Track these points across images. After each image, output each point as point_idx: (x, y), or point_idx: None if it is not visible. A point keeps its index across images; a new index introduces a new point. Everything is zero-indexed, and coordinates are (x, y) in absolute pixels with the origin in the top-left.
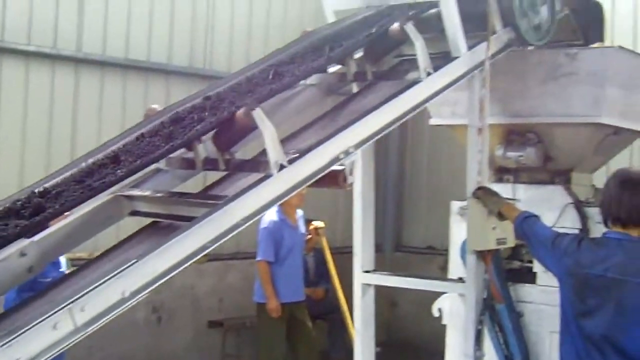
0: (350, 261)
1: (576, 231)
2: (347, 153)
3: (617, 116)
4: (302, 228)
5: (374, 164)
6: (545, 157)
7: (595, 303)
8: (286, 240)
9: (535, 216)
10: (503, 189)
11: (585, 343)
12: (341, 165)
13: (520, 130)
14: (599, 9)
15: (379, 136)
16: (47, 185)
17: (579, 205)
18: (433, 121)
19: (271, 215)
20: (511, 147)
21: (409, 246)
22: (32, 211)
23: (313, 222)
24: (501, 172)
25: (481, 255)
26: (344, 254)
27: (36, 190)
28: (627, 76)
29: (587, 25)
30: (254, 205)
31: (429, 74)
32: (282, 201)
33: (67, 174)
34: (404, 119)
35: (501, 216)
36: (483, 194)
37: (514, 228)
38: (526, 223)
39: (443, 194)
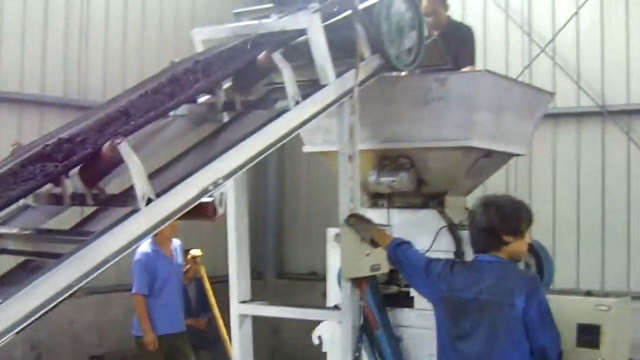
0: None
1: (451, 254)
2: (216, 184)
3: (487, 139)
4: (179, 258)
5: (249, 192)
6: (418, 181)
7: (469, 326)
8: (161, 272)
9: (408, 242)
10: (377, 214)
11: None
12: (211, 196)
13: (392, 155)
14: (469, 33)
15: (249, 166)
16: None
17: (453, 229)
18: (306, 149)
19: (144, 247)
20: (384, 172)
21: (291, 272)
22: (64, 155)
23: (191, 251)
24: (375, 198)
25: (356, 282)
26: (225, 282)
27: (63, 137)
28: (496, 99)
29: (458, 49)
30: (123, 240)
31: (297, 102)
32: (153, 234)
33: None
34: (273, 148)
35: (374, 243)
36: (355, 221)
37: (386, 255)
38: (399, 249)
39: (323, 219)
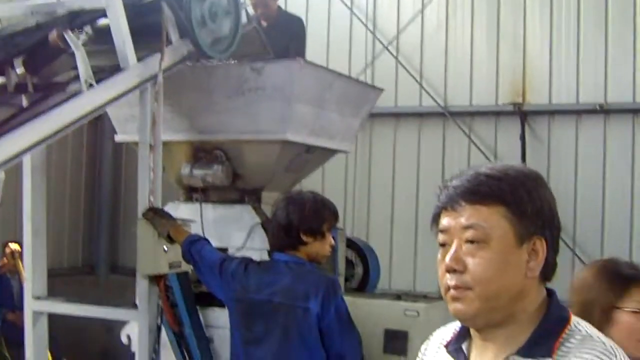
0: (60, 284)
1: (265, 253)
2: None
3: (307, 133)
4: None
5: (83, 182)
6: (233, 176)
7: (262, 330)
8: None
9: (204, 239)
10: (191, 209)
11: None
12: None
13: (207, 147)
14: (300, 26)
15: (31, 152)
16: None
17: (268, 225)
18: (118, 138)
19: None
20: (198, 165)
21: (125, 267)
22: None
23: (10, 245)
24: (190, 192)
25: (155, 279)
26: (50, 276)
27: None
28: (316, 92)
29: (288, 41)
30: None
31: (90, 85)
32: None
33: None
34: (63, 133)
35: (171, 239)
36: (153, 216)
37: (181, 251)
38: (193, 247)
39: None
